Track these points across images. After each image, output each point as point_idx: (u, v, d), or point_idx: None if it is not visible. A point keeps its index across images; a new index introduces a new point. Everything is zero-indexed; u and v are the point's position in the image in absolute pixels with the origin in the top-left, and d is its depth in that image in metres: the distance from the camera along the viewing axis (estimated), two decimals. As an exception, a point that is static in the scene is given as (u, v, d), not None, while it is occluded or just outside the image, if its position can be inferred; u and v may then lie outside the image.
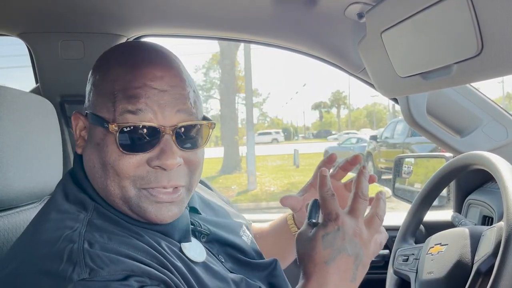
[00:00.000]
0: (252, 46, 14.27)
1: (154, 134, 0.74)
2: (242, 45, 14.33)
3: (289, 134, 49.37)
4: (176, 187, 0.77)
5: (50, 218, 0.74)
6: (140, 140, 0.74)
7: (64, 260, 0.65)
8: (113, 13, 1.36)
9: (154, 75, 0.75)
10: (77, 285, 0.62)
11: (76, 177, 0.82)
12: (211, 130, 0.82)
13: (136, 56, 0.78)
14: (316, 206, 0.74)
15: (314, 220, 0.74)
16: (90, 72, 0.83)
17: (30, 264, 0.67)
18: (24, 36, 1.41)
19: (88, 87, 0.82)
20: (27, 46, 1.44)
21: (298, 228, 1.06)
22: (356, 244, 0.70)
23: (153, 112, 0.74)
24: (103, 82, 0.78)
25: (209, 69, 28.51)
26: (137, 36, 1.48)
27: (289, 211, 1.08)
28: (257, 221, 1.24)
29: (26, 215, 1.01)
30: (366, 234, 0.72)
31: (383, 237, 0.76)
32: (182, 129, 0.76)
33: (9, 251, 0.75)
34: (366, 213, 0.76)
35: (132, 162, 0.74)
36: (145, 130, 0.74)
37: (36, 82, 1.48)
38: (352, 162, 0.99)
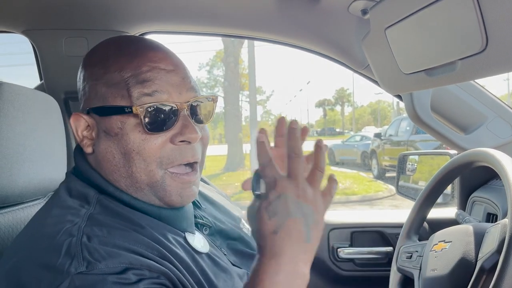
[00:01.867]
0: (256, 43, 14.26)
1: (173, 112, 0.78)
2: (246, 42, 14.34)
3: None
4: (194, 165, 0.81)
5: (52, 213, 0.74)
6: (162, 119, 0.77)
7: (62, 253, 0.65)
8: (117, 10, 1.37)
9: (158, 57, 0.79)
10: (74, 278, 0.63)
11: (79, 174, 0.82)
12: (215, 104, 0.86)
13: (133, 44, 0.82)
14: (258, 176, 0.71)
15: (257, 192, 0.71)
16: (82, 70, 0.83)
17: (30, 257, 0.68)
18: (28, 33, 1.41)
19: (85, 84, 0.82)
20: (31, 43, 1.44)
21: None
22: (301, 205, 0.65)
23: (167, 93, 0.78)
24: (107, 74, 0.79)
25: (213, 66, 28.53)
26: (141, 32, 1.48)
27: None
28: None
29: (30, 211, 1.01)
30: (310, 191, 0.67)
31: (333, 185, 0.71)
32: (195, 104, 0.81)
33: (11, 246, 0.76)
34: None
35: (157, 143, 0.77)
36: (165, 109, 0.77)
37: (40, 79, 1.49)
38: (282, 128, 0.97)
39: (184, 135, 0.78)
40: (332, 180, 0.71)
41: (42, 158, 1.03)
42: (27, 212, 1.01)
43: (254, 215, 0.68)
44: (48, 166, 1.04)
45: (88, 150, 0.82)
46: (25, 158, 0.97)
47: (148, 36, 1.52)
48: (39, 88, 1.46)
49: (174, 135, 0.78)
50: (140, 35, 1.49)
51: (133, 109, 0.76)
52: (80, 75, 0.84)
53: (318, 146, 0.69)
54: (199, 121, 0.83)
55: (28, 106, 1.00)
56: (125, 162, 0.78)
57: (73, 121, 0.82)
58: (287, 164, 0.68)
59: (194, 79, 0.84)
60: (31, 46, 1.46)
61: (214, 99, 0.86)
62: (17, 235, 0.79)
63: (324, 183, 0.70)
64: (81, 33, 1.41)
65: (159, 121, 0.77)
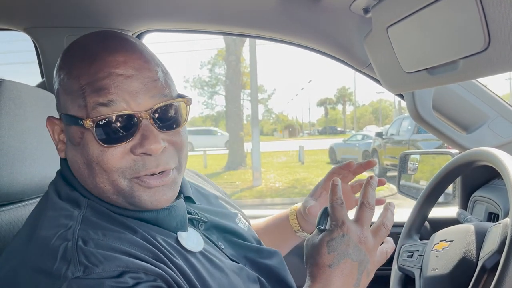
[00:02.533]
0: (258, 42, 14.25)
1: (132, 121, 0.73)
2: (247, 41, 14.32)
3: (294, 130, 49.33)
4: (164, 172, 0.76)
5: (46, 215, 0.74)
6: (118, 131, 0.73)
7: (59, 258, 0.65)
8: (118, 8, 1.36)
9: (116, 62, 0.73)
10: (71, 283, 0.62)
11: (64, 178, 0.81)
12: (188, 107, 0.80)
13: (95, 47, 0.76)
14: (325, 213, 0.78)
15: (322, 227, 0.77)
16: (55, 72, 0.80)
17: (26, 262, 0.67)
18: (30, 31, 1.41)
19: (55, 88, 0.80)
20: (33, 41, 1.44)
21: (300, 226, 1.10)
22: (361, 250, 0.73)
23: (125, 101, 0.72)
24: (68, 80, 0.75)
25: (215, 65, 28.50)
26: (142, 31, 1.48)
27: (290, 208, 1.13)
28: (262, 216, 1.24)
29: (31, 209, 1.01)
30: (372, 242, 0.75)
31: (390, 247, 0.80)
32: (159, 111, 0.75)
33: (7, 250, 0.75)
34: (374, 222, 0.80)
35: (116, 154, 0.73)
36: (121, 120, 0.72)
37: (42, 77, 1.49)
38: (365, 167, 1.04)
39: (143, 147, 0.73)
40: (390, 243, 0.81)
41: (43, 155, 1.03)
42: (28, 209, 1.01)
43: (312, 245, 0.75)
44: (49, 164, 1.04)
45: (61, 155, 0.81)
46: (26, 156, 0.97)
47: (148, 35, 1.52)
48: (41, 86, 1.46)
49: (134, 146, 0.73)
50: (140, 33, 1.49)
51: (84, 123, 0.72)
52: (54, 77, 0.81)
53: (388, 208, 0.79)
54: (169, 127, 0.77)
55: (29, 104, 1.00)
56: (89, 173, 0.75)
57: (49, 124, 0.80)
58: (357, 211, 0.76)
59: (165, 80, 0.77)
60: (33, 44, 1.46)
61: (186, 102, 0.79)
62: (13, 237, 0.79)
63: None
64: (82, 31, 1.39)
65: (115, 134, 0.72)
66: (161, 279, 0.67)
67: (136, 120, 0.73)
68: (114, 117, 0.72)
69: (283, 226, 1.13)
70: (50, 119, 0.80)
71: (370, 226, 0.78)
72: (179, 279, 0.70)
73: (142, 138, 0.73)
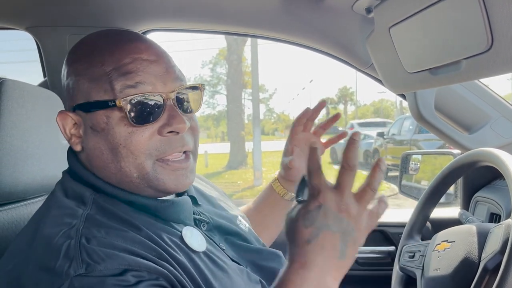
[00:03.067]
0: (259, 41, 14.25)
1: (159, 102, 0.76)
2: (249, 40, 14.31)
3: (296, 130, 49.13)
4: (187, 153, 0.80)
5: (50, 214, 0.74)
6: (147, 111, 0.75)
7: (61, 256, 0.65)
8: (120, 7, 1.37)
9: (139, 48, 0.78)
10: (73, 280, 0.62)
11: (73, 174, 0.82)
12: (202, 93, 0.85)
13: (114, 37, 0.81)
14: (303, 183, 0.70)
15: (300, 198, 0.70)
16: (66, 67, 0.82)
17: (30, 260, 0.68)
18: (32, 30, 1.41)
19: (69, 81, 0.80)
20: (35, 40, 1.45)
21: (285, 188, 1.12)
22: (342, 220, 0.64)
23: (151, 84, 0.76)
24: (90, 68, 0.77)
25: (216, 64, 28.51)
26: (144, 30, 1.48)
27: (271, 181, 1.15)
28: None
29: (33, 208, 1.01)
30: (355, 208, 0.65)
31: (382, 207, 0.69)
32: (181, 94, 0.79)
33: (11, 247, 0.76)
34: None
35: (145, 135, 0.76)
36: (150, 100, 0.76)
37: (44, 76, 1.49)
38: (332, 120, 1.05)
39: (171, 125, 0.76)
40: (382, 201, 0.69)
41: (46, 154, 1.03)
42: (30, 208, 1.01)
43: (290, 221, 0.67)
44: (51, 163, 1.04)
45: (77, 148, 0.81)
46: (29, 155, 0.97)
47: (151, 34, 1.52)
48: (43, 85, 1.46)
49: (162, 126, 0.76)
50: (143, 32, 1.49)
51: (117, 102, 0.74)
52: (64, 72, 0.82)
53: (378, 166, 0.67)
54: (187, 111, 0.81)
55: (31, 103, 1.00)
56: (113, 157, 0.76)
57: (60, 119, 0.80)
58: (338, 175, 0.66)
59: (179, 69, 0.82)
60: (35, 43, 1.47)
61: (201, 88, 0.84)
62: (17, 235, 0.79)
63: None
64: (85, 30, 1.40)
65: (145, 113, 0.75)
66: (163, 278, 0.67)
67: (163, 101, 0.77)
68: (144, 97, 0.75)
69: (270, 196, 1.14)
70: (62, 113, 0.80)
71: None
72: (182, 278, 0.70)
73: (170, 118, 0.76)
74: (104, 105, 0.75)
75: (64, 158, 0.85)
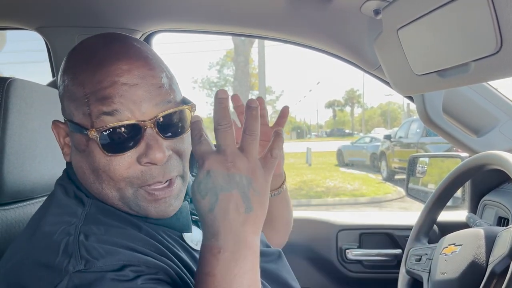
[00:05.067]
0: (266, 43, 14.26)
1: (136, 130, 0.72)
2: (256, 42, 14.34)
3: (302, 132, 49.26)
4: (171, 180, 0.76)
5: (50, 212, 0.74)
6: (123, 140, 0.72)
7: (60, 252, 0.65)
8: (128, 8, 1.37)
9: (121, 70, 0.72)
10: (72, 276, 0.63)
11: (71, 178, 0.82)
12: (192, 113, 0.78)
13: (100, 53, 0.75)
14: (192, 157, 0.71)
15: (194, 173, 0.71)
16: (60, 75, 0.79)
17: (30, 257, 0.68)
18: (42, 30, 1.43)
19: (60, 91, 0.79)
20: (45, 40, 1.46)
21: None
22: (233, 176, 0.62)
23: (129, 110, 0.71)
24: (73, 87, 0.75)
25: (223, 66, 28.60)
26: (152, 31, 1.49)
27: None
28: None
29: (41, 207, 1.02)
30: (243, 160, 0.63)
31: (276, 142, 0.67)
32: (163, 119, 0.74)
33: (12, 245, 0.76)
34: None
35: (123, 164, 0.72)
36: (126, 129, 0.72)
37: (53, 76, 1.50)
38: (282, 115, 0.99)
39: (148, 156, 0.71)
40: (275, 135, 0.68)
41: (53, 154, 1.04)
42: (37, 207, 1.02)
43: (193, 197, 0.66)
44: (59, 162, 1.05)
45: (67, 159, 0.80)
46: (37, 154, 0.98)
47: (158, 35, 1.53)
48: (51, 84, 1.47)
49: (139, 155, 0.72)
50: (150, 33, 1.50)
51: (89, 132, 0.71)
52: (59, 80, 0.80)
53: (248, 106, 0.65)
54: (175, 134, 0.76)
55: (40, 103, 1.00)
56: (94, 179, 0.75)
57: (54, 128, 0.80)
58: (215, 138, 0.65)
59: (169, 85, 0.76)
60: (44, 43, 1.48)
61: (190, 108, 0.78)
62: (18, 234, 0.80)
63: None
64: (93, 31, 1.41)
65: (120, 143, 0.72)
66: (163, 272, 0.67)
67: (140, 129, 0.72)
68: (118, 127, 0.71)
69: None
70: (55, 123, 0.80)
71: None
72: (182, 273, 0.70)
73: (147, 148, 0.72)
74: (81, 130, 0.73)
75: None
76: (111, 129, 0.71)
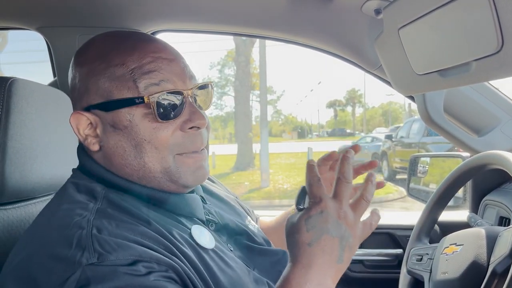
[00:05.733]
0: (268, 43, 14.25)
1: (181, 100, 0.80)
2: (257, 42, 14.34)
3: (303, 132, 49.23)
4: (202, 149, 0.84)
5: (61, 207, 0.75)
6: (171, 108, 0.78)
7: (74, 245, 0.66)
8: (129, 8, 1.37)
9: (158, 48, 0.81)
10: (86, 269, 0.63)
11: (85, 171, 0.83)
12: (212, 90, 0.88)
13: (129, 38, 0.83)
14: (303, 192, 0.76)
15: (301, 206, 0.75)
16: (78, 67, 0.82)
17: (41, 249, 0.68)
18: (43, 30, 1.43)
19: (83, 81, 0.80)
20: (46, 40, 1.46)
21: None
22: (341, 225, 0.70)
23: (172, 82, 0.79)
24: (109, 68, 0.78)
25: (224, 66, 28.60)
26: (153, 31, 1.49)
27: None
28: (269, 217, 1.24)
29: (41, 207, 1.02)
30: (352, 216, 0.72)
31: (374, 218, 0.77)
32: (197, 91, 0.83)
33: (21, 239, 0.77)
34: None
35: (168, 131, 0.78)
36: (173, 97, 0.79)
37: (54, 76, 1.50)
38: (366, 167, 0.99)
39: (193, 121, 0.79)
40: (375, 214, 0.77)
41: (55, 154, 1.04)
42: (39, 207, 1.02)
43: (291, 225, 0.73)
44: (60, 162, 1.05)
45: (95, 148, 0.81)
46: (38, 154, 0.98)
47: (160, 34, 1.53)
48: (53, 84, 1.48)
49: (184, 122, 0.80)
50: (152, 33, 1.50)
51: (145, 99, 0.77)
52: (74, 73, 0.82)
53: (369, 179, 0.76)
54: (202, 107, 0.85)
55: (41, 103, 1.01)
56: (136, 154, 0.79)
57: (73, 120, 0.81)
58: (334, 186, 0.73)
59: (190, 68, 0.86)
60: (45, 43, 1.48)
61: (211, 85, 0.88)
62: (26, 229, 0.80)
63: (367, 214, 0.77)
64: (94, 31, 1.41)
65: (169, 109, 0.78)
66: (172, 270, 0.68)
67: (183, 98, 0.80)
68: (167, 95, 0.78)
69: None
70: (76, 113, 0.81)
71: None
72: (190, 272, 0.71)
73: (191, 114, 0.80)
74: (129, 102, 0.78)
75: (73, 157, 0.86)
76: (163, 96, 0.77)
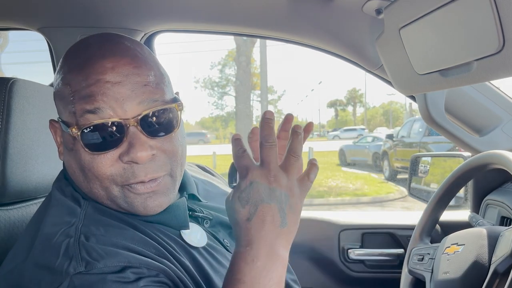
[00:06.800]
0: (268, 42, 14.25)
1: (119, 129, 0.72)
2: (258, 41, 14.34)
3: (304, 131, 48.96)
4: (155, 179, 0.75)
5: (49, 213, 0.75)
6: (105, 138, 0.72)
7: (61, 254, 0.65)
8: (130, 8, 1.37)
9: (104, 68, 0.72)
10: (73, 278, 0.63)
11: (67, 178, 0.82)
12: (180, 112, 0.78)
13: (87, 52, 0.75)
14: (233, 169, 0.74)
15: (233, 184, 0.73)
16: (55, 76, 0.80)
17: (30, 259, 0.68)
18: (44, 30, 1.43)
19: (54, 91, 0.80)
20: (47, 40, 1.46)
21: None
22: (275, 190, 0.66)
23: (111, 109, 0.71)
24: (61, 87, 0.75)
25: (225, 66, 28.58)
26: (154, 31, 1.49)
27: None
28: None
29: (43, 207, 1.02)
30: (284, 177, 0.67)
31: (312, 169, 0.71)
32: (147, 118, 0.73)
33: (14, 248, 0.76)
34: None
35: (105, 162, 0.72)
36: (108, 127, 0.71)
37: (55, 76, 1.50)
38: (286, 122, 0.94)
39: (129, 154, 0.71)
40: (311, 164, 0.72)
41: (56, 154, 1.04)
42: (40, 207, 1.02)
43: (229, 206, 0.69)
44: (61, 162, 1.05)
45: (61, 158, 0.81)
46: (39, 154, 0.98)
47: (160, 35, 1.53)
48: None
49: (121, 154, 0.72)
50: (152, 34, 1.50)
51: (71, 130, 0.72)
52: (54, 80, 0.81)
53: (294, 131, 0.70)
54: (159, 134, 0.75)
55: (42, 103, 1.01)
56: (83, 178, 0.75)
57: (51, 127, 0.81)
58: (260, 153, 0.68)
59: (157, 83, 0.75)
60: (47, 44, 1.48)
61: (177, 107, 0.77)
62: (20, 235, 0.80)
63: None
64: (95, 31, 1.40)
65: (102, 141, 0.71)
66: (164, 274, 0.68)
67: (123, 127, 0.71)
68: (100, 124, 0.71)
69: None
70: (51, 122, 0.81)
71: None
72: (182, 274, 0.70)
73: (129, 146, 0.72)
74: (67, 128, 0.74)
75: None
76: (92, 127, 0.71)
